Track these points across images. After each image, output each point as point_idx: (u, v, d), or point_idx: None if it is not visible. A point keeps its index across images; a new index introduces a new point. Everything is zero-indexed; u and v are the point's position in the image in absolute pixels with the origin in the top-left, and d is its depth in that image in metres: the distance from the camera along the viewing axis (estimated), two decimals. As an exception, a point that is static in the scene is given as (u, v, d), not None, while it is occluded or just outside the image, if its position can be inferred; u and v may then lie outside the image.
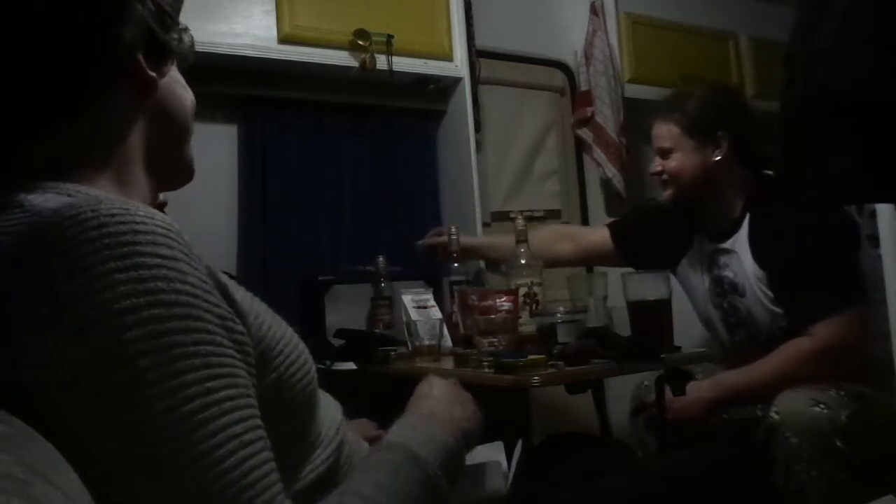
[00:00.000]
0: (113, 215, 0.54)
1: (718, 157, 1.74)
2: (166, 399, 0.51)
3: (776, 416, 1.49)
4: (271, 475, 0.55)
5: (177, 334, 0.53)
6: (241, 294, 0.64)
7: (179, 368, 0.52)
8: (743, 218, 1.73)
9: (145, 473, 0.51)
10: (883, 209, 1.32)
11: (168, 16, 0.73)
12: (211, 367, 0.54)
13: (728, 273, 1.75)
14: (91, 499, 0.47)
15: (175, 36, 0.74)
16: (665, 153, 1.78)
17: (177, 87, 0.75)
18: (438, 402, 0.84)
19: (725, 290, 1.77)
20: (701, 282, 1.83)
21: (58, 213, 0.54)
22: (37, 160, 0.65)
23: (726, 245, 1.75)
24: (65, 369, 0.51)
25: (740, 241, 1.72)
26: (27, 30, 0.63)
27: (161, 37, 0.71)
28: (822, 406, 1.48)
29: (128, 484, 0.51)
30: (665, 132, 1.79)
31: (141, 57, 0.69)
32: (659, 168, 1.81)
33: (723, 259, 1.76)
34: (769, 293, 1.66)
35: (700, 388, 1.62)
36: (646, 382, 1.81)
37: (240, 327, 0.59)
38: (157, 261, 0.54)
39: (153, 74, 0.70)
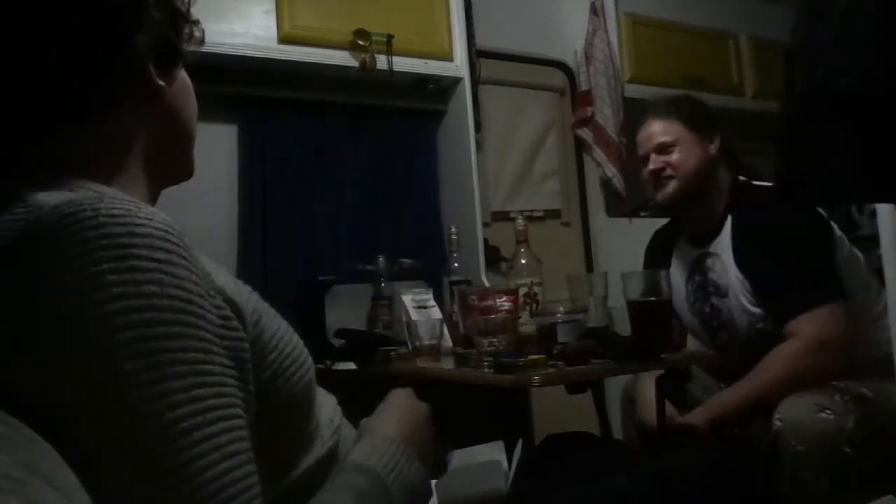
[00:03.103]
0: (113, 215, 0.54)
1: (714, 151, 1.76)
2: (151, 404, 0.51)
3: (780, 423, 1.45)
4: (253, 489, 0.55)
5: (166, 340, 0.52)
6: (238, 290, 0.64)
7: (166, 374, 0.51)
8: (724, 221, 1.74)
9: (128, 476, 0.51)
10: (883, 209, 1.31)
11: (182, 17, 0.73)
12: (199, 374, 0.53)
13: (713, 275, 1.76)
14: (89, 499, 0.47)
15: (188, 33, 0.74)
16: (665, 148, 1.77)
17: (185, 93, 0.75)
18: (403, 423, 0.81)
19: (709, 293, 1.77)
20: (682, 290, 1.83)
21: (57, 210, 0.53)
22: (42, 159, 0.65)
23: (710, 248, 1.76)
24: (55, 369, 0.51)
25: (723, 243, 1.73)
26: (39, 36, 0.62)
27: (174, 43, 0.71)
28: (828, 412, 1.43)
29: (113, 484, 0.50)
30: (664, 128, 1.78)
31: (152, 66, 0.69)
32: (661, 164, 1.78)
33: (708, 262, 1.77)
34: (749, 295, 1.67)
35: (692, 416, 1.57)
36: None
37: (235, 332, 0.59)
38: (153, 264, 0.53)
39: (162, 84, 0.70)
